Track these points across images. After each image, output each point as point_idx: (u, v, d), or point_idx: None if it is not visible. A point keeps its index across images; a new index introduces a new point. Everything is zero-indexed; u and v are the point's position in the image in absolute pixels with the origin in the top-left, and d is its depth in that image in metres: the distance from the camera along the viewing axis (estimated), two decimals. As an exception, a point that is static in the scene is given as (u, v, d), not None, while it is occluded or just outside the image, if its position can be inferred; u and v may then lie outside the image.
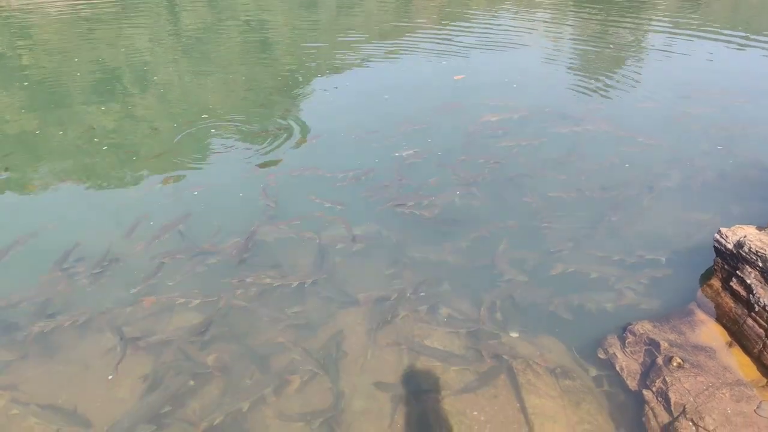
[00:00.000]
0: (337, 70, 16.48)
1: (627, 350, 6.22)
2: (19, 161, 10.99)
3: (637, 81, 15.26)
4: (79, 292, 7.49)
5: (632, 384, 5.94)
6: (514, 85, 14.87)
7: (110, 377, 6.22)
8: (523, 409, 5.87)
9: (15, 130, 12.29)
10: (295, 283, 7.51)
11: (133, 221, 8.80)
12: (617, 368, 6.11)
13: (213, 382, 6.23)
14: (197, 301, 7.25)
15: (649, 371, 5.89)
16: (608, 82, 15.26)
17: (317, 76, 15.74)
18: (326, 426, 5.70)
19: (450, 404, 5.90)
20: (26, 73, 15.93)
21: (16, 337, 6.78)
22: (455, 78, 15.23)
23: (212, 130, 12.23)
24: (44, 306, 7.19)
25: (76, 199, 9.69)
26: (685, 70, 16.15)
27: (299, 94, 14.57)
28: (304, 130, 12.21)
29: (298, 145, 11.57)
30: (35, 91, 14.58)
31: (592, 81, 15.33)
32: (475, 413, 5.83)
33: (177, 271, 7.83)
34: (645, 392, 5.73)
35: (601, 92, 14.45)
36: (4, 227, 8.74)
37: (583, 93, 14.39)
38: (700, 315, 6.62)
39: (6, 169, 10.55)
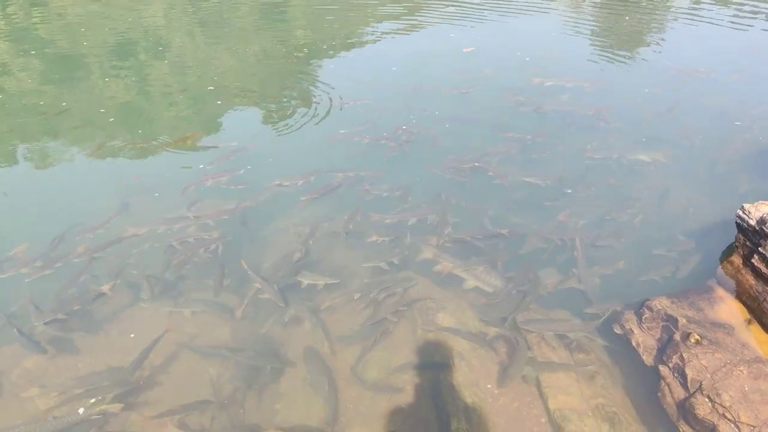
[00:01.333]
0: (352, 41, 16.26)
1: (644, 326, 6.15)
2: (37, 130, 11.06)
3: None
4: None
5: (648, 359, 5.89)
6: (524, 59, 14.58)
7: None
8: (537, 382, 5.87)
9: (34, 99, 12.34)
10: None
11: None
12: (633, 344, 6.06)
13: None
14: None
15: (665, 347, 5.83)
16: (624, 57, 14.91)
17: (334, 48, 15.56)
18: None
19: (463, 376, 5.90)
20: (43, 42, 15.92)
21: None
22: (465, 51, 14.96)
23: (231, 99, 12.21)
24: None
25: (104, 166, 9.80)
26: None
27: (315, 65, 14.43)
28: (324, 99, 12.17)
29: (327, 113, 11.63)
30: (51, 61, 14.59)
31: (611, 53, 14.97)
32: (489, 386, 5.84)
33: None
34: (661, 368, 5.68)
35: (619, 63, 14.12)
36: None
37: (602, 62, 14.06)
38: (720, 292, 6.51)
39: (25, 141, 10.62)
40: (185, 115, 11.91)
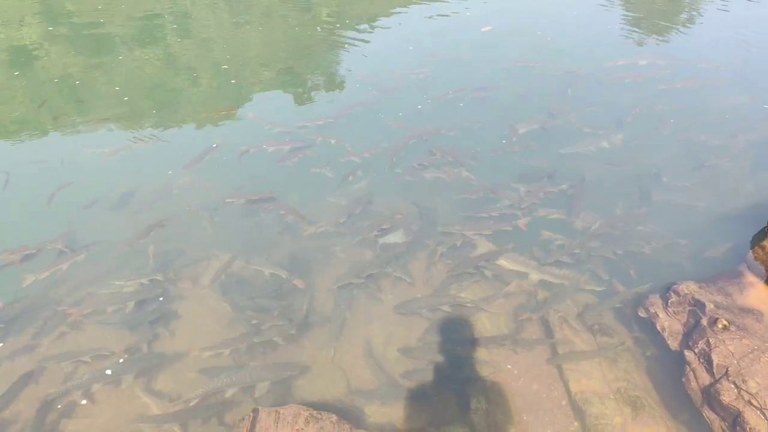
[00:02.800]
0: (372, 19, 16.04)
1: (669, 310, 6.04)
2: (65, 106, 11.21)
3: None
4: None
5: (673, 344, 5.79)
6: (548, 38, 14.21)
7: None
8: (558, 365, 5.83)
9: (60, 73, 12.50)
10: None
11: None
12: (658, 327, 5.96)
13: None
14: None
15: (692, 332, 5.72)
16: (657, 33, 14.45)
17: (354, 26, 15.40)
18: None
19: (484, 356, 5.90)
20: (72, 19, 16.04)
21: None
22: (483, 30, 14.63)
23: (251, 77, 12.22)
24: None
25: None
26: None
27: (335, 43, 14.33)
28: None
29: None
30: (79, 37, 14.72)
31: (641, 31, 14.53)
32: (509, 366, 5.83)
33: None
34: (686, 353, 5.58)
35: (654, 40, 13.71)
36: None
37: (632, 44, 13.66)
38: (750, 277, 6.35)
39: (55, 118, 10.77)
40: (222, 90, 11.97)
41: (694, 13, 16.19)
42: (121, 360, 5.91)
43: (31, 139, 10.15)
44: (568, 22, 15.08)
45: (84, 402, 5.57)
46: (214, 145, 9.41)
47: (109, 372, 5.74)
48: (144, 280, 6.84)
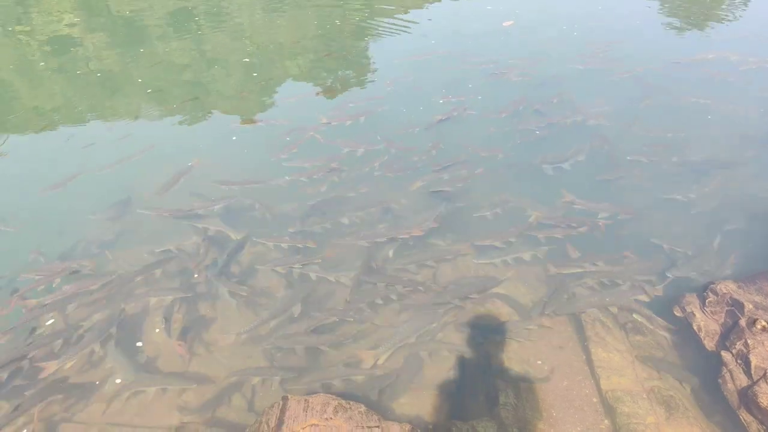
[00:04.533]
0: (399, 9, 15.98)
1: (707, 310, 5.90)
2: (103, 95, 11.47)
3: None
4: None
5: (709, 344, 5.65)
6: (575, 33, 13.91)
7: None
8: (589, 362, 5.75)
9: (99, 66, 12.78)
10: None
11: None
12: (694, 327, 5.82)
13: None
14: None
15: (729, 333, 5.57)
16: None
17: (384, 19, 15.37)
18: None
19: (514, 352, 5.85)
20: (110, 10, 16.38)
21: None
22: (504, 24, 14.40)
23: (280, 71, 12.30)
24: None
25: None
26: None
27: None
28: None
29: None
30: (118, 28, 15.02)
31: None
32: (539, 362, 5.77)
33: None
34: (723, 354, 5.44)
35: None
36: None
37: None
38: (792, 278, 6.15)
39: (93, 110, 11.04)
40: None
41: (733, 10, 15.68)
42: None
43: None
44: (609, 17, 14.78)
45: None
46: (190, 164, 8.82)
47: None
48: None
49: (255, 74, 12.06)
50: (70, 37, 14.32)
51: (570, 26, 14.23)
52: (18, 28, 15.09)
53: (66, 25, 15.21)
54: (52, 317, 6.37)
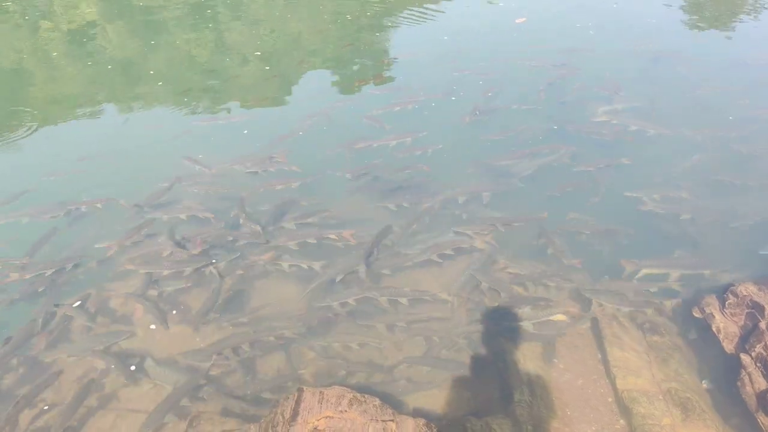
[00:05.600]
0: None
1: (726, 311, 5.82)
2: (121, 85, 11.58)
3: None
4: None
5: (728, 347, 5.58)
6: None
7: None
8: (605, 361, 5.71)
9: (119, 55, 12.88)
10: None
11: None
12: (713, 329, 5.75)
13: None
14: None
15: (749, 335, 5.50)
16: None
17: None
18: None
19: (529, 349, 5.83)
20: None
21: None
22: (517, 21, 14.20)
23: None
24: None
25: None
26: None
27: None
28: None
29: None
30: (137, 20, 15.11)
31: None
32: (555, 360, 5.74)
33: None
34: (742, 356, 5.38)
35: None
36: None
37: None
38: (814, 280, 6.05)
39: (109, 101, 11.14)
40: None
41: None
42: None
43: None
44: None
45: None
46: (166, 185, 8.32)
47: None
48: None
49: (267, 67, 12.06)
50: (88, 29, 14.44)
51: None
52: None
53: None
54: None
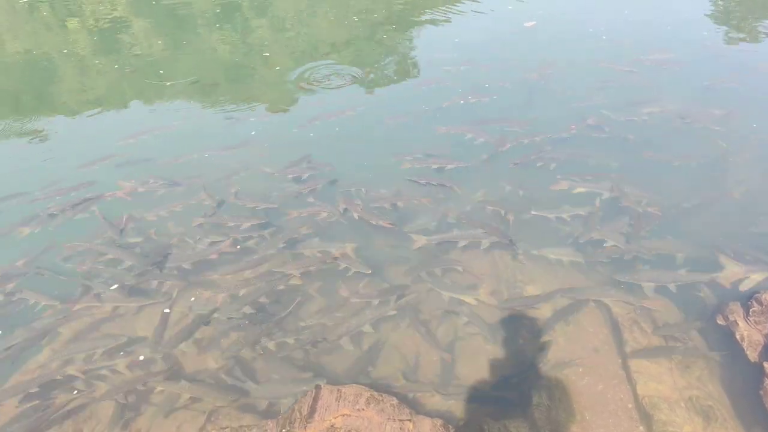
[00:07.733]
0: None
1: (751, 319, 5.71)
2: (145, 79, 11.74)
3: None
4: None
5: (752, 355, 5.48)
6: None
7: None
8: (626, 366, 5.64)
9: (145, 50, 13.06)
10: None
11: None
12: (737, 337, 5.65)
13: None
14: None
15: (774, 344, 5.40)
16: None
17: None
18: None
19: (549, 352, 5.78)
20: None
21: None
22: (526, 25, 14.01)
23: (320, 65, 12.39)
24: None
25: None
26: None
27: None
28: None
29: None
30: (163, 16, 15.30)
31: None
32: (574, 364, 5.68)
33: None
34: (766, 365, 5.27)
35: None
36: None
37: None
38: (843, 290, 5.91)
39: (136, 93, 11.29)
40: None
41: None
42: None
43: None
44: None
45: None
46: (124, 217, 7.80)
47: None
48: None
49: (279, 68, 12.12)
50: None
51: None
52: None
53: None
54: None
